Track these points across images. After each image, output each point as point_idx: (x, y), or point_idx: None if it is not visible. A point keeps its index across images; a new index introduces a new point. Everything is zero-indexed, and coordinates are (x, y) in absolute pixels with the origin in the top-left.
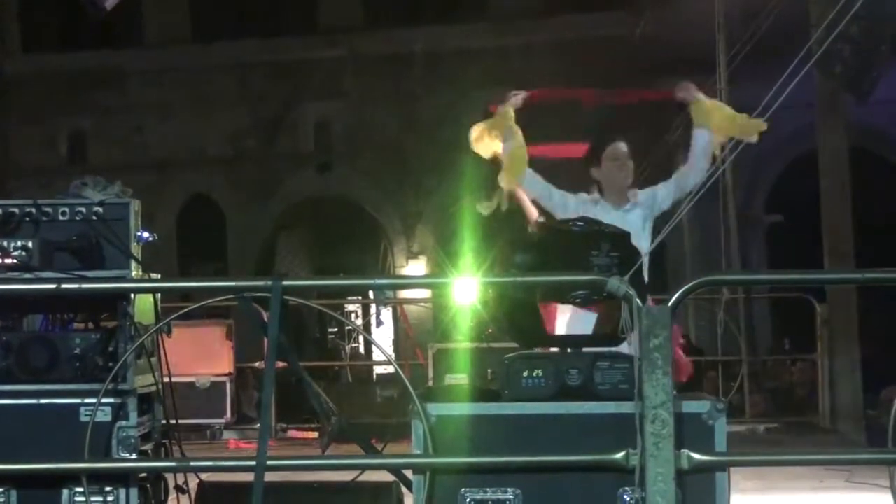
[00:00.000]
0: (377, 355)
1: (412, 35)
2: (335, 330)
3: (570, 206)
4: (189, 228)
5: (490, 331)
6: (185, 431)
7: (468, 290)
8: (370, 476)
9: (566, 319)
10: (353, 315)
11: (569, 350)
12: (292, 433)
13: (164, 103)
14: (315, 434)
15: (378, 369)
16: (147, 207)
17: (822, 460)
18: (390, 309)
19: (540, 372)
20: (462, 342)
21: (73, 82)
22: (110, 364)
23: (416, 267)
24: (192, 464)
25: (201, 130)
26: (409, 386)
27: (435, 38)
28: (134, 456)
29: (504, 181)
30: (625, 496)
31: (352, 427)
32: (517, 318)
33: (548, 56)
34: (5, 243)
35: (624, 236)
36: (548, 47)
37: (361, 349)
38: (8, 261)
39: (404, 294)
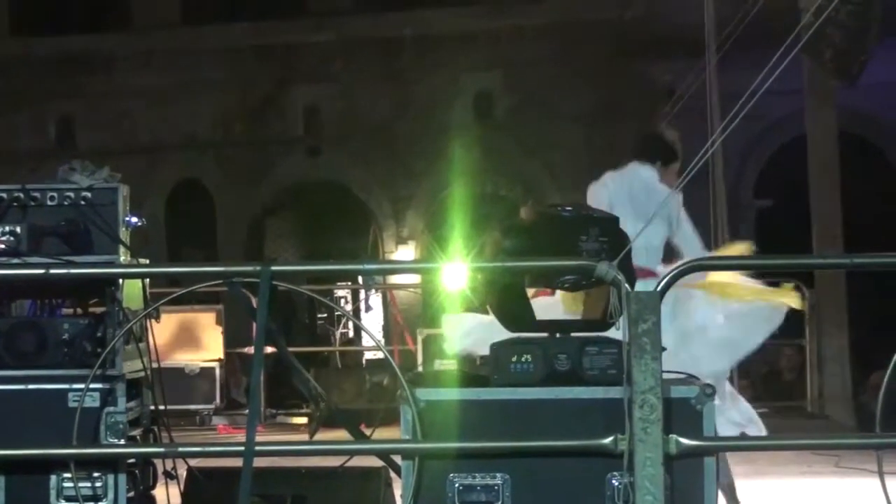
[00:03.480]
0: (367, 341)
1: (402, 18)
2: (325, 315)
3: None
4: (178, 213)
5: None
6: (174, 417)
7: (457, 275)
8: (359, 461)
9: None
10: (342, 300)
11: (557, 335)
12: (282, 418)
13: (153, 87)
14: (304, 419)
15: (368, 355)
16: (136, 192)
17: (811, 445)
18: (380, 294)
19: (528, 357)
20: None
21: (61, 66)
22: (99, 349)
23: (406, 252)
24: (180, 449)
25: (190, 115)
26: (398, 371)
27: (425, 22)
28: (122, 441)
29: None
30: (613, 481)
31: (340, 412)
32: (506, 303)
33: (539, 39)
34: None
35: (613, 221)
36: (539, 31)
37: (351, 334)
38: None
39: (394, 279)
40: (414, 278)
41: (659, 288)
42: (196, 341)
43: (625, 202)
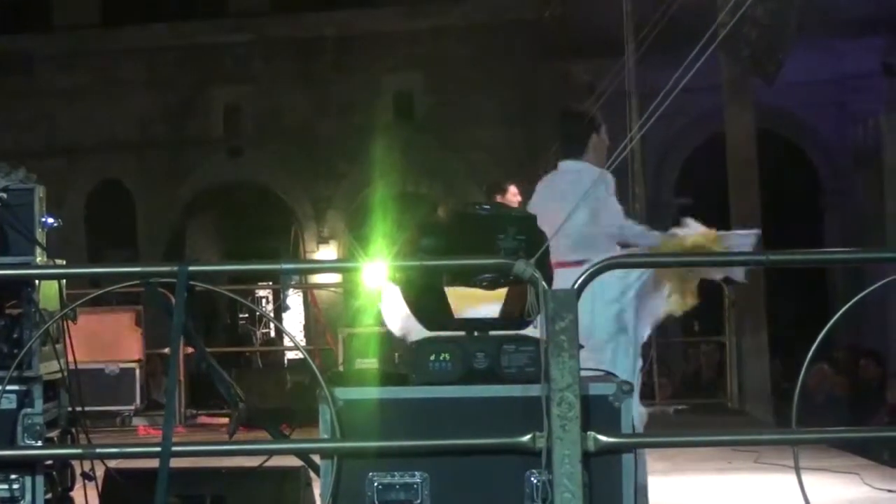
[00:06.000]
0: (288, 341)
1: (322, 19)
2: (246, 315)
3: None
4: (99, 214)
5: None
6: (95, 418)
7: (378, 274)
8: (278, 461)
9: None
10: (263, 301)
11: (475, 333)
12: (203, 419)
13: (74, 88)
14: (226, 420)
15: (289, 354)
16: (56, 193)
17: (728, 441)
18: (301, 294)
19: (447, 355)
20: (372, 326)
21: None
22: (15, 351)
23: (327, 252)
24: (97, 451)
25: (111, 115)
26: (317, 371)
27: (345, 22)
28: (39, 443)
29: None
30: (532, 478)
31: (259, 412)
32: (424, 302)
33: (458, 40)
34: None
35: (531, 219)
36: (458, 31)
37: (273, 334)
38: None
39: (315, 279)
40: (335, 278)
41: (576, 286)
42: (116, 342)
43: (554, 201)
